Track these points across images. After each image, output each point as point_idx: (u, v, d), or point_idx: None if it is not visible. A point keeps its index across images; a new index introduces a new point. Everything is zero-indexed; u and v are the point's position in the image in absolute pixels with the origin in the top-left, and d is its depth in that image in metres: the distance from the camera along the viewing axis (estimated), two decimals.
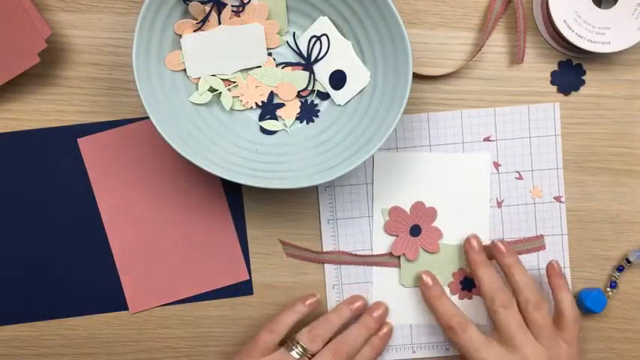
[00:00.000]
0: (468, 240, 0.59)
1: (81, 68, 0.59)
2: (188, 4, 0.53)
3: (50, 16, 0.58)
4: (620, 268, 0.61)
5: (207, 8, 0.54)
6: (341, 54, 0.56)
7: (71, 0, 0.58)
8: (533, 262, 0.61)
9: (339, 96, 0.56)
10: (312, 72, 0.57)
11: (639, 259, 0.60)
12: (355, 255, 0.60)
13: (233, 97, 0.57)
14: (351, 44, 0.56)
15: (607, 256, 0.61)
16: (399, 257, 0.60)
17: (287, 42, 0.56)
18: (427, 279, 0.59)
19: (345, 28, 0.55)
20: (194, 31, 0.54)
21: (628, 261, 0.60)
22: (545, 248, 0.61)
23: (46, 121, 0.59)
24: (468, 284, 0.60)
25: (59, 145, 0.59)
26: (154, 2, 0.51)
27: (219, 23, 0.55)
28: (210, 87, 0.56)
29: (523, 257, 0.60)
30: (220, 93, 0.56)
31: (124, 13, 0.58)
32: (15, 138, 0.59)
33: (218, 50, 0.55)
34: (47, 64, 0.58)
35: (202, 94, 0.55)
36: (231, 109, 0.57)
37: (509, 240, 0.60)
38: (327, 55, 0.56)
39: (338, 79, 0.56)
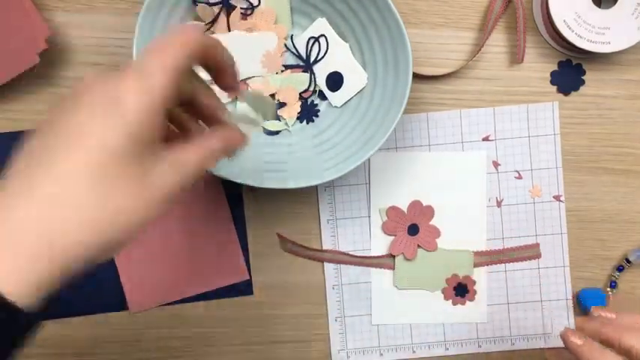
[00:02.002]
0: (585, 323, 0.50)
1: (81, 68, 0.59)
2: (197, 6, 0.53)
3: (50, 16, 0.58)
4: (620, 268, 0.61)
5: (216, 10, 0.54)
6: (338, 56, 0.56)
7: (71, 0, 0.58)
8: (533, 263, 0.60)
9: (335, 98, 0.56)
10: (312, 73, 0.57)
11: (639, 259, 0.60)
12: (351, 255, 0.60)
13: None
14: (349, 45, 0.56)
15: (607, 256, 0.61)
16: (394, 259, 0.60)
17: (285, 44, 0.56)
18: (575, 340, 0.48)
19: (345, 28, 0.55)
20: (203, 32, 0.54)
21: (628, 261, 0.60)
22: (541, 256, 0.61)
23: None
24: (461, 290, 0.60)
25: None
26: (154, 2, 0.51)
27: (228, 26, 0.55)
28: None
29: (519, 263, 0.60)
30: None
31: (123, 13, 0.58)
32: (15, 138, 0.59)
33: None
34: (47, 64, 0.58)
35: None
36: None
37: (507, 240, 0.60)
38: (325, 56, 0.56)
39: (335, 80, 0.56)
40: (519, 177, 0.60)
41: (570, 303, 0.61)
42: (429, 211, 0.60)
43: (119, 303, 0.60)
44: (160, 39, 0.33)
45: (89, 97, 0.32)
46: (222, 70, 0.38)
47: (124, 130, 0.31)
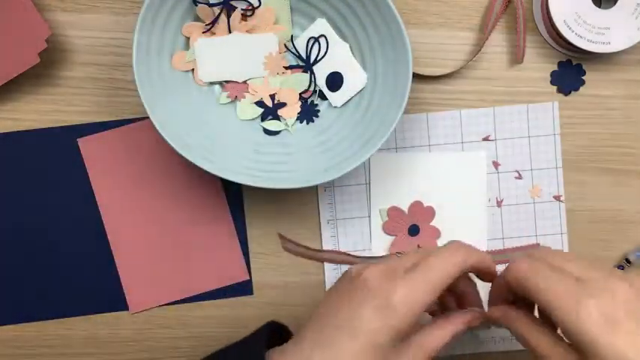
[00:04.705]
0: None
1: (81, 68, 0.59)
2: (197, 7, 0.53)
3: (50, 16, 0.58)
4: (620, 268, 0.61)
5: (217, 11, 0.54)
6: (338, 56, 0.56)
7: (71, 0, 0.58)
8: None
9: (335, 98, 0.56)
10: (312, 73, 0.57)
11: (639, 259, 0.60)
12: (352, 255, 0.60)
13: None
14: (349, 46, 0.56)
15: (607, 256, 0.61)
16: None
17: (285, 44, 0.56)
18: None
19: (344, 28, 0.55)
20: (202, 32, 0.54)
21: (628, 261, 0.60)
22: None
23: (46, 121, 0.59)
24: None
25: (59, 145, 0.59)
26: (154, 2, 0.51)
27: (229, 26, 0.55)
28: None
29: None
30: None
31: (123, 13, 0.58)
32: (15, 138, 0.59)
33: (231, 57, 0.55)
34: (47, 64, 0.58)
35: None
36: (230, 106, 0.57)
37: (507, 240, 0.60)
38: (325, 56, 0.56)
39: (335, 80, 0.56)
40: (519, 177, 0.60)
41: None
42: (429, 212, 0.60)
43: (119, 303, 0.60)
44: (439, 254, 0.42)
45: (364, 295, 0.40)
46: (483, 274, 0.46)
47: (391, 332, 0.39)
